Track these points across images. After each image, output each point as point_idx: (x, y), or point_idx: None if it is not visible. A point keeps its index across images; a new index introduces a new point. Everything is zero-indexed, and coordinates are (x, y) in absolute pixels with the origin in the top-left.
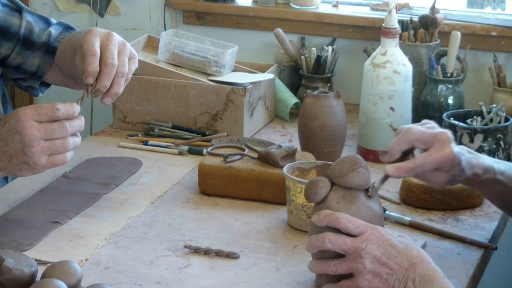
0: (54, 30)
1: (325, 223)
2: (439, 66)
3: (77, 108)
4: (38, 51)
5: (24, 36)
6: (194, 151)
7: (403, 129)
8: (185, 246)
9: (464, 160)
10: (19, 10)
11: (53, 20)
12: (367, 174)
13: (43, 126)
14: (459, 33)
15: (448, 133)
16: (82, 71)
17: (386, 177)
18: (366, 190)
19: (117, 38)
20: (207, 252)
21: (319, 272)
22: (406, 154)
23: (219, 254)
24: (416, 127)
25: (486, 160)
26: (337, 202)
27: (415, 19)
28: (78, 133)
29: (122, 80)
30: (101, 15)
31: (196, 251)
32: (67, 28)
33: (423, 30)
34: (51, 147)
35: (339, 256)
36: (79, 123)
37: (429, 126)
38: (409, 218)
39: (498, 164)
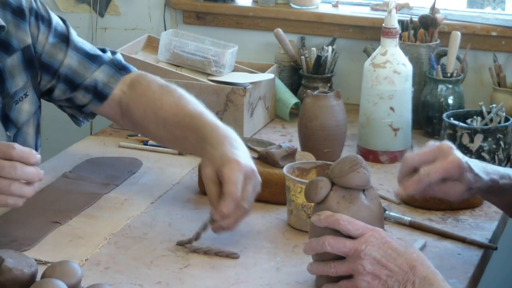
0: (102, 75)
1: (325, 224)
2: (439, 66)
3: (35, 155)
4: (85, 91)
5: (65, 76)
6: None
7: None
8: (185, 244)
9: (477, 167)
10: (67, 44)
11: (105, 57)
12: (367, 174)
13: None
14: (459, 33)
15: (448, 142)
16: (213, 205)
17: (399, 201)
18: (366, 190)
19: (257, 177)
20: (207, 252)
21: (319, 274)
22: None
23: (219, 254)
24: (410, 153)
25: (499, 167)
26: (337, 202)
27: (415, 19)
28: (34, 185)
29: (243, 219)
30: (101, 15)
31: (196, 251)
32: (120, 68)
33: (423, 30)
34: None
35: (339, 257)
36: (34, 171)
37: (426, 145)
38: (409, 218)
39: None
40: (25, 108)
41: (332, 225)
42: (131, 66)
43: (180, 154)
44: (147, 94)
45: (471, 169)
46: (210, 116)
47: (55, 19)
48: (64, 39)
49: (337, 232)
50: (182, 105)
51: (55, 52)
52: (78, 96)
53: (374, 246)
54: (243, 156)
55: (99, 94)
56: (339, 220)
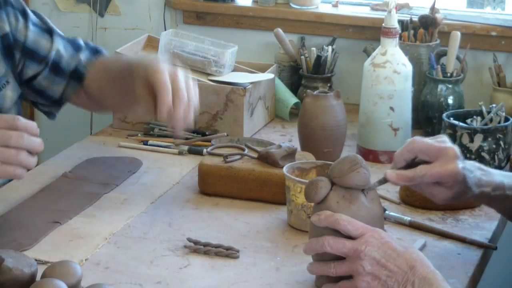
0: (83, 57)
1: (325, 224)
2: (439, 66)
3: (36, 127)
4: (66, 77)
5: (53, 62)
6: (194, 151)
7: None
8: (188, 239)
9: (472, 179)
10: (49, 32)
11: (81, 42)
12: (367, 174)
13: (0, 131)
14: (459, 33)
15: (456, 149)
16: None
17: (384, 181)
18: (366, 190)
19: (182, 71)
20: (207, 252)
21: (319, 274)
22: (412, 166)
23: (219, 254)
24: (422, 138)
25: (497, 176)
26: (337, 202)
27: (415, 19)
28: (36, 156)
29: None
30: (101, 15)
31: (196, 251)
32: (95, 52)
33: (423, 30)
34: (4, 153)
35: (339, 257)
36: (38, 141)
37: (438, 140)
38: (409, 218)
39: (508, 179)
40: (8, 94)
41: (332, 225)
42: (103, 50)
43: (180, 154)
44: (101, 65)
45: (465, 182)
46: (146, 56)
47: (30, 12)
48: (45, 28)
49: (337, 232)
50: (122, 57)
51: (39, 39)
52: (57, 85)
53: (373, 246)
54: (162, 63)
55: (78, 75)
56: (339, 220)
